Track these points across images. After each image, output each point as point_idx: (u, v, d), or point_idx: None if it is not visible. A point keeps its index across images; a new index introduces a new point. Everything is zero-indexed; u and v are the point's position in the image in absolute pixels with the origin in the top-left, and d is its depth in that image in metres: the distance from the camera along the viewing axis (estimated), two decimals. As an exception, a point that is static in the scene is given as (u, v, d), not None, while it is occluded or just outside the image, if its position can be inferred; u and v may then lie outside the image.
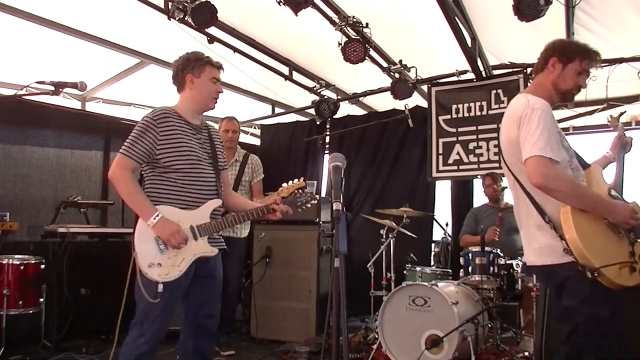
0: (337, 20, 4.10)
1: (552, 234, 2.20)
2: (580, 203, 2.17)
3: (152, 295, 2.42)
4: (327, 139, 6.43)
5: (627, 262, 2.14)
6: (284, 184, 2.90)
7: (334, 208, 2.06)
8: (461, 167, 5.18)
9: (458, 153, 5.19)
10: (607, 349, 2.14)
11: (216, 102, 2.70)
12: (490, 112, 5.05)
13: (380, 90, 5.50)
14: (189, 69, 2.63)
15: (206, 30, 4.22)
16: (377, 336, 4.01)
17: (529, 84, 4.75)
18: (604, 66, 4.39)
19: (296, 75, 5.37)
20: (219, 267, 2.72)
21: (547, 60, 2.41)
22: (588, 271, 2.07)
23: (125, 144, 2.51)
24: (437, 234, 5.70)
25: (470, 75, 5.05)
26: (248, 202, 3.07)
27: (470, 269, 4.20)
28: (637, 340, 2.56)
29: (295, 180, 2.89)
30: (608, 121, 2.73)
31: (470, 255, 4.24)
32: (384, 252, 4.59)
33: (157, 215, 2.45)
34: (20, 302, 3.78)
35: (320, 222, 4.69)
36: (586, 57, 2.37)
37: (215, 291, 2.70)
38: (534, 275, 3.54)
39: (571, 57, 2.37)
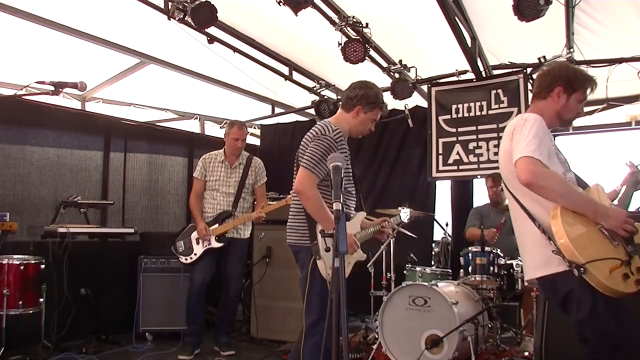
0: (337, 20, 4.09)
1: (548, 245, 2.12)
2: (570, 202, 2.12)
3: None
4: (327, 139, 6.41)
5: (615, 259, 2.03)
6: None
7: (334, 208, 2.06)
8: (461, 167, 5.17)
9: (458, 153, 5.18)
10: None
11: (365, 135, 3.03)
12: (490, 112, 5.04)
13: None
14: (364, 103, 2.89)
15: (206, 30, 4.21)
16: (377, 336, 4.01)
17: (528, 84, 4.78)
18: (604, 66, 4.40)
19: (296, 75, 5.37)
20: None
21: (551, 88, 2.39)
22: (575, 268, 2.00)
23: (311, 162, 2.69)
24: (437, 234, 5.71)
25: (470, 75, 5.03)
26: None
27: (470, 269, 4.21)
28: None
29: None
30: (627, 165, 2.60)
31: (470, 255, 4.24)
32: (384, 252, 4.59)
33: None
34: (20, 302, 3.76)
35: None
36: (589, 86, 2.38)
37: None
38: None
39: (576, 87, 2.37)
